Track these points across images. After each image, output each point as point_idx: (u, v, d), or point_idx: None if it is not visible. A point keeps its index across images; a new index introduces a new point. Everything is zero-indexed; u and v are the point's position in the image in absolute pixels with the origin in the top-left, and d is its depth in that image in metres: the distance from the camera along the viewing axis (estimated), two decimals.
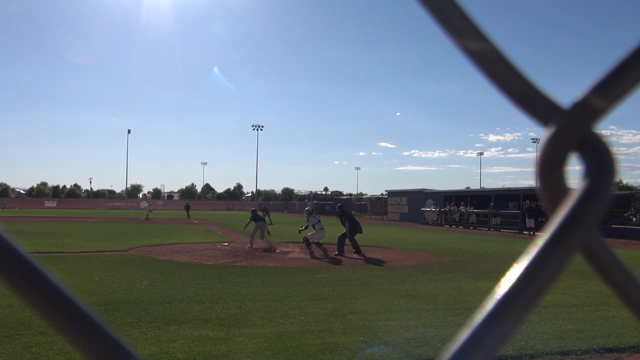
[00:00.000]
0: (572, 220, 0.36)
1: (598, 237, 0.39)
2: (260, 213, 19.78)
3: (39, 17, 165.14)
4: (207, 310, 7.15)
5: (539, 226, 24.95)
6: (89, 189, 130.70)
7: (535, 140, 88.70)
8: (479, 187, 73.70)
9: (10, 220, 33.93)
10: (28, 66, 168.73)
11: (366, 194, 77.48)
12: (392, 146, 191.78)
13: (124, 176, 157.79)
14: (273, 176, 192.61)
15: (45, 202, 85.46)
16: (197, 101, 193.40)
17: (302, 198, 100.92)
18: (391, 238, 22.43)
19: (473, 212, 35.39)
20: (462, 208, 36.33)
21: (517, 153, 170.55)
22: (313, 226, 15.45)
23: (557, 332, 6.23)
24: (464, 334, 0.33)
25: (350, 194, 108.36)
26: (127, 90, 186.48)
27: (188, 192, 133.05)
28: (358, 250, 15.05)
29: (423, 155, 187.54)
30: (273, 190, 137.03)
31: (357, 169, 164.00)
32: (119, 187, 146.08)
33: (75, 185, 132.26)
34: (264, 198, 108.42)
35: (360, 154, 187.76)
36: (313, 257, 14.28)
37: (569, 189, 0.39)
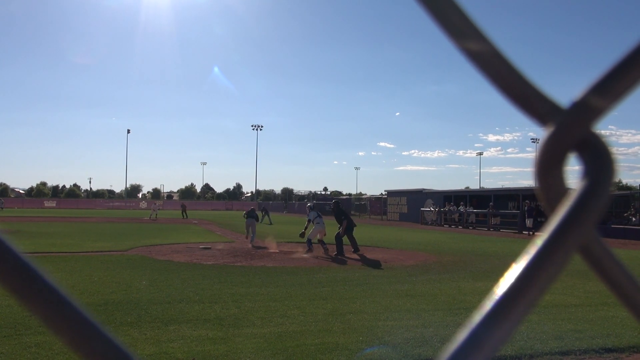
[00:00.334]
0: (571, 220, 0.36)
1: (597, 237, 0.39)
2: (260, 213, 20.02)
3: (39, 17, 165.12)
4: (207, 310, 7.15)
5: (538, 226, 24.95)
6: (89, 189, 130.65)
7: (534, 140, 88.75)
8: (478, 187, 73.71)
9: (9, 220, 33.91)
10: (28, 66, 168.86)
11: (365, 194, 77.48)
12: (392, 146, 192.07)
13: (124, 176, 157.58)
14: (273, 176, 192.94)
15: (44, 202, 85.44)
16: (196, 101, 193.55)
17: (302, 198, 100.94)
18: (390, 238, 22.43)
19: (472, 212, 35.40)
20: (461, 208, 36.34)
21: (517, 153, 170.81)
22: (312, 221, 15.46)
23: (557, 332, 6.23)
24: (462, 334, 0.33)
25: (350, 194, 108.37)
26: (127, 90, 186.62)
27: (187, 192, 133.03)
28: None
29: (422, 155, 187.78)
30: (273, 190, 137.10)
31: (357, 169, 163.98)
32: (118, 187, 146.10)
33: (75, 185, 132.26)
34: (263, 198, 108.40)
35: (360, 154, 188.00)
36: (312, 254, 14.34)
37: (568, 189, 0.39)
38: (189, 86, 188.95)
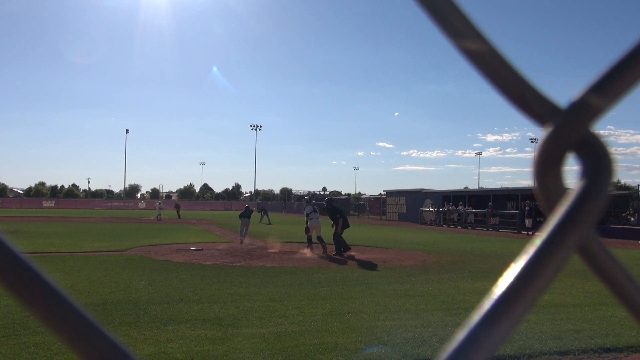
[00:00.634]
0: (570, 220, 0.36)
1: (596, 237, 0.39)
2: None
3: (38, 16, 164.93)
4: (206, 310, 7.15)
5: (537, 226, 24.97)
6: (87, 189, 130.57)
7: (533, 140, 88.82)
8: (477, 187, 73.74)
9: (8, 220, 33.85)
10: (27, 66, 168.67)
11: (364, 194, 77.40)
12: (391, 146, 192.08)
13: (122, 176, 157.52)
14: (272, 176, 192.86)
15: (43, 202, 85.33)
16: (195, 101, 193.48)
17: (301, 198, 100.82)
18: (389, 238, 22.43)
19: (471, 212, 35.42)
20: (460, 208, 36.36)
21: (515, 153, 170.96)
22: (307, 215, 15.47)
23: (556, 331, 6.23)
24: (461, 334, 0.33)
25: (349, 194, 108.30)
26: (126, 90, 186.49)
27: (186, 192, 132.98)
28: (341, 251, 14.56)
29: (421, 155, 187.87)
30: (272, 190, 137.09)
31: (356, 169, 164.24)
32: (117, 187, 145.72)
33: (74, 185, 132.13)
34: (262, 198, 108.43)
35: (359, 154, 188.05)
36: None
37: (567, 189, 0.39)
38: (188, 86, 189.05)
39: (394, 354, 5.37)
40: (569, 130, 0.38)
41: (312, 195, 66.68)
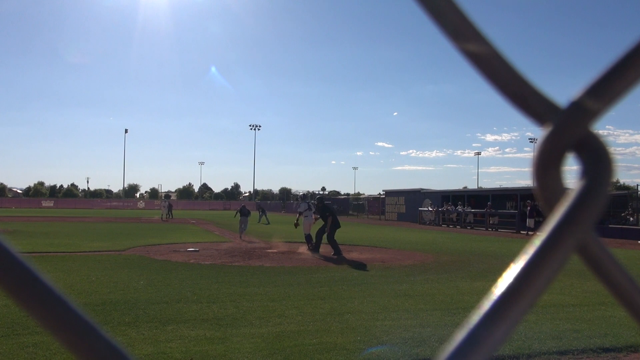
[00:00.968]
0: (569, 220, 0.36)
1: (595, 237, 0.39)
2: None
3: (37, 16, 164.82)
4: (205, 310, 7.14)
5: (538, 226, 24.97)
6: (86, 189, 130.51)
7: (532, 140, 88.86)
8: (476, 187, 73.81)
9: (7, 220, 33.82)
10: (26, 65, 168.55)
11: (364, 194, 77.49)
12: (390, 146, 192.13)
13: (121, 176, 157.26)
14: (271, 176, 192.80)
15: (42, 201, 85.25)
16: (194, 101, 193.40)
17: (304, 198, 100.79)
18: (389, 238, 22.44)
19: (470, 211, 35.43)
20: (459, 208, 36.37)
21: (515, 153, 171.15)
22: (302, 213, 15.47)
23: (555, 331, 6.24)
24: (461, 334, 0.33)
25: (348, 194, 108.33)
26: (125, 89, 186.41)
27: (185, 192, 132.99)
28: (339, 251, 14.40)
29: (420, 155, 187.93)
30: (271, 190, 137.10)
31: (355, 168, 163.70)
32: (116, 187, 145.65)
33: (73, 184, 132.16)
34: (261, 198, 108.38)
35: (358, 153, 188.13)
36: (313, 252, 14.38)
37: (566, 188, 0.38)
38: (187, 86, 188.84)
39: (393, 354, 5.37)
40: (569, 130, 0.38)
41: (309, 194, 66.69)
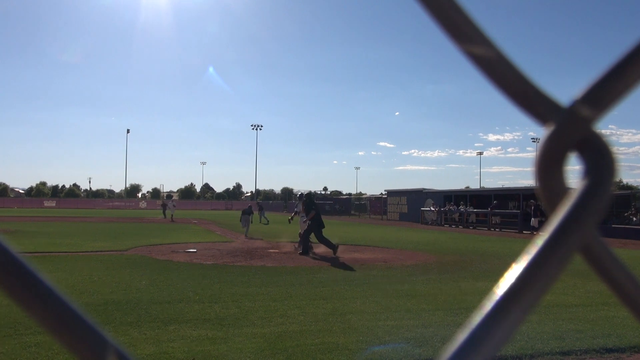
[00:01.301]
0: (572, 220, 0.36)
1: (598, 237, 0.39)
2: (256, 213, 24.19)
3: (37, 15, 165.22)
4: (207, 310, 7.15)
5: (541, 226, 24.91)
6: (88, 189, 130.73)
7: (535, 139, 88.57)
8: (478, 187, 73.71)
9: (9, 220, 33.90)
10: (27, 65, 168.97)
11: (365, 194, 77.43)
12: (392, 146, 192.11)
13: (123, 176, 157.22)
14: (272, 176, 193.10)
15: (44, 201, 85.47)
16: (196, 101, 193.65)
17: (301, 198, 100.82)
18: (391, 238, 22.43)
19: (473, 211, 35.39)
20: (461, 208, 36.33)
21: (517, 152, 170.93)
22: (297, 212, 15.47)
23: (558, 332, 6.23)
24: (463, 334, 0.32)
25: (350, 194, 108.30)
26: (126, 89, 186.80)
27: (187, 192, 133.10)
28: (335, 248, 14.26)
29: (422, 154, 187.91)
30: (272, 190, 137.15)
31: (357, 168, 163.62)
32: (118, 187, 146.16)
33: (75, 185, 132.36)
34: (263, 198, 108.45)
35: (360, 153, 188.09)
36: (312, 253, 14.36)
37: (569, 188, 0.38)
38: (188, 86, 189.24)
39: (395, 353, 5.36)
40: (571, 129, 0.38)
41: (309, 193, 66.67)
